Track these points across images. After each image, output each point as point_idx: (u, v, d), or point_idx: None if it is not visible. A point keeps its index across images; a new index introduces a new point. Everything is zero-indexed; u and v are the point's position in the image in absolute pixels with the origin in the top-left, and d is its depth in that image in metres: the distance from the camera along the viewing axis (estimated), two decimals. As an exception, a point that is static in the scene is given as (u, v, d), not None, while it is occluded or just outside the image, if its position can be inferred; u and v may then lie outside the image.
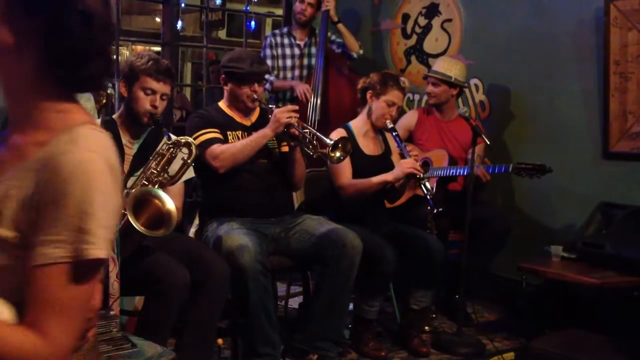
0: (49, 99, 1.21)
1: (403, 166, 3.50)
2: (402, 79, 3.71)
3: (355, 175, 3.62)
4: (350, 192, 3.59)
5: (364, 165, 3.65)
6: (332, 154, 3.17)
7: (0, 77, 1.20)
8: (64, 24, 1.14)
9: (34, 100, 1.21)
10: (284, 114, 3.19)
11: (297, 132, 3.23)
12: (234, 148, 3.22)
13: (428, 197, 3.40)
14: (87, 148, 1.17)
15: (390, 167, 3.65)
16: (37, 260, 1.13)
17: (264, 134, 3.23)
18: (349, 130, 3.74)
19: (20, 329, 1.14)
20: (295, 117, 3.21)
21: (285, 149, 3.38)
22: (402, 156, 3.60)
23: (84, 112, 1.27)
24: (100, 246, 1.15)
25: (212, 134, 3.26)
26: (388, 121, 3.64)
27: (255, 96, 3.34)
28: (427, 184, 3.46)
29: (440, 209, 3.39)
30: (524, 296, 4.06)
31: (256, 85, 3.33)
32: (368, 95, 3.70)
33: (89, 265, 1.16)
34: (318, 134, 3.25)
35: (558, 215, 4.22)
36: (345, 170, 3.58)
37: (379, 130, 3.78)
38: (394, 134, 3.65)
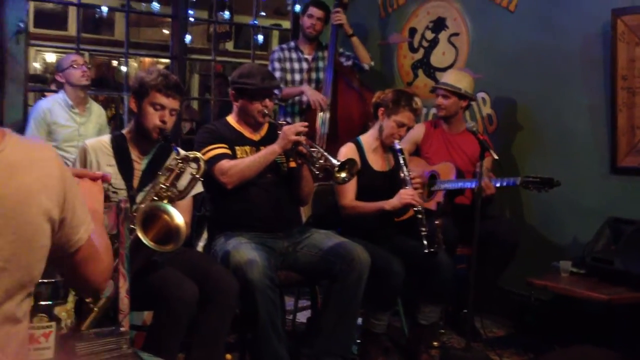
0: None
1: (402, 196, 3.48)
2: (416, 98, 3.67)
3: (363, 190, 3.62)
4: (350, 213, 3.60)
5: (372, 181, 3.65)
6: (338, 175, 3.17)
7: None
8: None
9: None
10: (292, 131, 3.20)
11: (304, 151, 3.23)
12: (242, 164, 3.23)
13: (423, 233, 3.40)
14: None
15: (397, 185, 3.62)
16: None
17: (272, 151, 3.24)
18: (358, 144, 3.74)
19: None
20: (303, 136, 3.22)
21: (293, 164, 3.39)
22: (404, 182, 3.57)
23: None
24: None
25: (220, 149, 3.27)
26: (396, 141, 3.64)
27: (265, 111, 3.36)
28: (424, 221, 3.43)
29: (432, 250, 3.38)
30: (533, 311, 4.05)
31: (267, 100, 3.34)
32: (379, 112, 3.69)
33: None
34: (325, 153, 3.25)
35: (567, 230, 4.21)
36: (349, 191, 3.58)
37: (388, 146, 3.77)
38: (400, 156, 3.61)
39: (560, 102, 4.28)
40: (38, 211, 1.31)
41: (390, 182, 3.69)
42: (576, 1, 4.21)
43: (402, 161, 3.60)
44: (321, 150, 3.30)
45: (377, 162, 3.75)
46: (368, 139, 3.78)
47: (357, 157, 3.62)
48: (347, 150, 3.68)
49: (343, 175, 3.18)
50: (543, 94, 4.37)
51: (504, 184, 3.82)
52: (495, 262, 3.94)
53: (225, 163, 3.21)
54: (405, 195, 3.48)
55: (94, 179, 1.75)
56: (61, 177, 1.38)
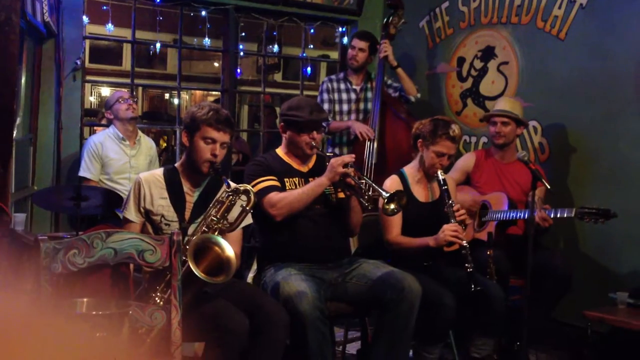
0: None
1: (445, 232, 3.43)
2: (453, 126, 3.61)
3: (408, 222, 3.60)
4: (395, 248, 3.59)
5: (417, 212, 3.63)
6: (387, 207, 3.17)
7: None
8: None
9: None
10: (340, 163, 3.21)
11: (352, 182, 3.24)
12: (290, 197, 3.25)
13: (468, 270, 3.36)
14: None
15: (443, 216, 3.58)
16: None
17: (320, 183, 3.26)
18: (403, 176, 3.73)
19: None
20: (351, 167, 3.23)
21: (342, 195, 3.40)
22: (448, 216, 3.49)
23: None
24: None
25: (269, 181, 3.30)
26: (440, 171, 3.59)
27: (313, 143, 3.39)
28: (469, 257, 3.38)
29: (479, 288, 3.33)
30: (590, 344, 3.93)
31: (315, 132, 3.37)
32: (418, 143, 3.68)
33: None
34: (374, 184, 3.26)
35: (623, 260, 4.10)
36: (394, 226, 3.57)
37: (432, 176, 3.74)
38: (443, 187, 3.56)
39: (614, 130, 4.20)
40: None
41: (436, 213, 3.65)
42: (628, 27, 4.14)
43: (445, 193, 3.56)
44: (369, 181, 3.31)
45: (421, 193, 3.73)
46: (411, 170, 3.77)
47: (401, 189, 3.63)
48: (392, 183, 3.67)
49: (392, 206, 3.17)
50: (596, 121, 4.30)
51: (558, 214, 3.75)
52: (548, 296, 3.85)
53: (274, 196, 3.24)
54: (448, 231, 3.43)
55: None
56: None
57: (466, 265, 3.37)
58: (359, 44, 4.97)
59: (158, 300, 2.57)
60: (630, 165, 4.12)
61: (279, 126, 3.50)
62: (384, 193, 3.17)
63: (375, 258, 3.50)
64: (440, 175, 3.59)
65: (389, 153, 4.79)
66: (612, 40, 4.23)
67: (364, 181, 3.28)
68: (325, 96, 5.00)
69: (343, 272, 3.35)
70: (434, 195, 3.75)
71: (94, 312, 2.24)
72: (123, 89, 4.93)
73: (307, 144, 3.38)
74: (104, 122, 4.84)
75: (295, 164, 3.46)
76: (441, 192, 3.61)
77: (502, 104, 4.30)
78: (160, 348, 2.48)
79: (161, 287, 2.58)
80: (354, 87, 5.03)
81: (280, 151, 3.50)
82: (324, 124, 4.67)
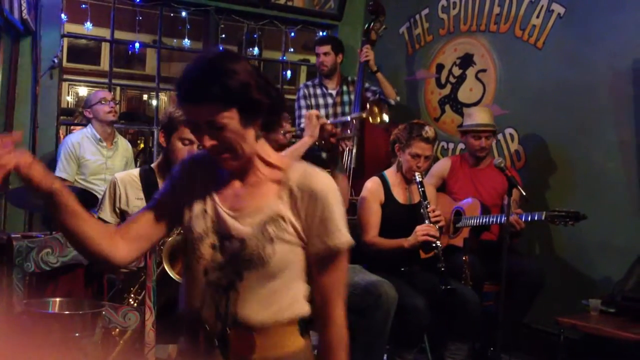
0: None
1: (418, 232, 3.47)
2: (427, 127, 3.66)
3: (388, 223, 3.64)
4: (372, 249, 3.61)
5: (397, 214, 3.67)
6: (375, 121, 3.25)
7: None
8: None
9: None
10: (315, 114, 3.20)
11: (334, 130, 3.22)
12: None
13: (441, 269, 3.39)
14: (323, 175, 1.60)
15: (419, 217, 3.61)
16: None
17: (303, 142, 3.23)
18: (384, 178, 3.76)
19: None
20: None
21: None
22: (423, 217, 3.54)
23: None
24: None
25: None
26: (417, 174, 3.63)
27: (282, 131, 3.40)
28: (441, 257, 3.41)
29: (449, 287, 3.36)
30: (562, 350, 3.97)
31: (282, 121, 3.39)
32: (396, 148, 3.73)
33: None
34: (349, 116, 3.29)
35: (596, 268, 4.14)
36: (373, 227, 3.62)
37: (410, 179, 3.77)
38: (420, 189, 3.62)
39: (589, 139, 4.25)
40: None
41: (414, 215, 3.68)
42: (605, 37, 4.19)
43: (422, 193, 3.60)
44: (345, 117, 3.33)
45: (400, 195, 3.76)
46: (391, 173, 3.82)
47: (381, 191, 3.70)
48: (372, 184, 3.71)
49: (379, 119, 3.22)
50: (572, 130, 4.34)
51: (529, 218, 3.78)
52: (521, 299, 3.88)
53: None
54: (420, 231, 3.46)
55: None
56: None
57: (439, 265, 3.39)
58: (321, 49, 5.03)
59: (132, 301, 2.54)
60: (604, 174, 4.17)
61: None
62: (362, 114, 3.27)
63: (352, 263, 3.50)
64: (418, 177, 3.62)
65: (367, 158, 4.80)
66: (589, 50, 4.28)
67: (342, 121, 3.34)
68: (303, 102, 5.01)
69: (320, 276, 3.34)
70: (413, 199, 3.78)
71: (66, 312, 2.21)
72: (103, 90, 4.87)
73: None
74: (77, 120, 4.78)
75: None
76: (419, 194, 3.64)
77: (482, 116, 4.29)
78: (134, 350, 2.46)
79: (135, 288, 2.56)
80: (329, 91, 5.05)
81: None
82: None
